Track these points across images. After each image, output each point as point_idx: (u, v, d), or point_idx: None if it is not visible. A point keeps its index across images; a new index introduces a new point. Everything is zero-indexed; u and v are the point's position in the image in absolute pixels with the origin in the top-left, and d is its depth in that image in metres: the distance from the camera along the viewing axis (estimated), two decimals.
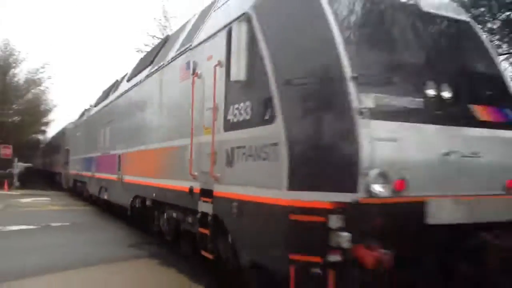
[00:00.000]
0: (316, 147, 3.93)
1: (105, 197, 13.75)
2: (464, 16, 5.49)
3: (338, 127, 3.90)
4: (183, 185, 6.34)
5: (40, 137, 44.83)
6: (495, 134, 4.51)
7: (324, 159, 3.86)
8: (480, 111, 4.53)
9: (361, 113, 3.78)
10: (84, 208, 20.42)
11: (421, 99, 4.23)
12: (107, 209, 15.58)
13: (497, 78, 5.05)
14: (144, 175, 8.90)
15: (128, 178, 10.42)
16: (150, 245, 10.43)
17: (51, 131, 42.11)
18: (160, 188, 7.69)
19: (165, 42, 9.54)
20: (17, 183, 31.83)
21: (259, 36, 4.46)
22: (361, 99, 3.83)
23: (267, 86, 4.20)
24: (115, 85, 14.31)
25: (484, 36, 5.59)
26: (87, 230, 13.45)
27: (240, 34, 4.58)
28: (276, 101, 4.08)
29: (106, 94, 15.42)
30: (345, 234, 3.58)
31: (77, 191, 21.24)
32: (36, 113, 37.01)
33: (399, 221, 3.64)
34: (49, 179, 30.84)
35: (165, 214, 7.89)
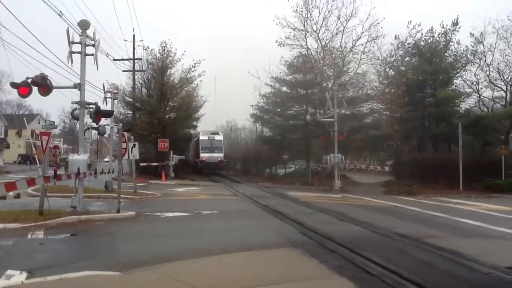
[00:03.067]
0: (196, 153, 46.19)
1: (192, 163, 48.61)
2: (221, 137, 48.80)
3: (198, 152, 44.82)
4: (195, 159, 46.93)
5: (192, 131, 48.93)
6: (216, 154, 44.84)
7: (197, 155, 45.16)
8: (215, 150, 45.05)
9: (201, 150, 44.62)
10: (229, 198, 21.53)
11: (208, 151, 44.56)
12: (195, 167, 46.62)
13: (221, 147, 46.03)
14: (194, 158, 47.91)
15: (193, 159, 49.19)
16: (290, 234, 10.57)
17: (201, 126, 50.29)
18: (196, 160, 46.33)
19: (195, 137, 50.22)
20: (172, 174, 34.92)
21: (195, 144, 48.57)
22: (201, 150, 44.90)
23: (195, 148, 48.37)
24: (193, 138, 51.78)
25: (222, 139, 48.54)
26: (233, 218, 14.21)
27: (193, 143, 50.09)
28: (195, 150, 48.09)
29: (194, 139, 51.15)
30: (203, 161, 44.01)
31: (190, 164, 48.77)
32: (189, 109, 39.67)
33: (205, 162, 43.76)
34: (190, 166, 48.87)
35: (196, 163, 45.79)
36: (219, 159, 44.21)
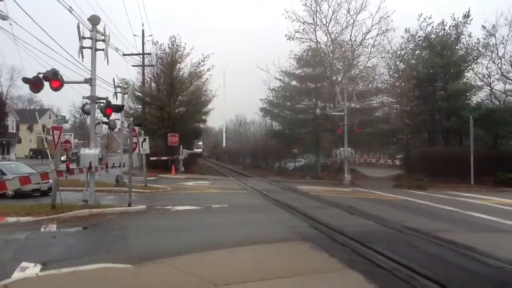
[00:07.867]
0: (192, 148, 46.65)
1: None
2: (201, 142, 67.42)
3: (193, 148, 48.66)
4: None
5: (201, 125, 48.84)
6: (199, 149, 57.01)
7: (192, 149, 45.30)
8: (198, 147, 57.73)
9: (194, 147, 49.72)
10: (239, 192, 21.58)
11: (196, 148, 52.01)
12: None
13: (201, 146, 66.10)
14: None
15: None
16: (300, 228, 10.57)
17: (211, 120, 54.05)
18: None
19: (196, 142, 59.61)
20: (182, 168, 35.05)
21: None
22: (194, 147, 50.75)
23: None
24: (195, 142, 55.69)
25: (202, 143, 67.29)
26: (244, 212, 14.25)
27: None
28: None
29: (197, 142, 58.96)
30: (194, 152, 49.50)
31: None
32: (198, 103, 39.75)
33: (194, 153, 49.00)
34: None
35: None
36: (200, 151, 69.63)
